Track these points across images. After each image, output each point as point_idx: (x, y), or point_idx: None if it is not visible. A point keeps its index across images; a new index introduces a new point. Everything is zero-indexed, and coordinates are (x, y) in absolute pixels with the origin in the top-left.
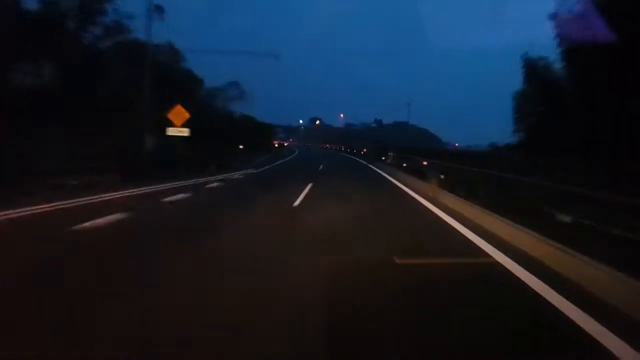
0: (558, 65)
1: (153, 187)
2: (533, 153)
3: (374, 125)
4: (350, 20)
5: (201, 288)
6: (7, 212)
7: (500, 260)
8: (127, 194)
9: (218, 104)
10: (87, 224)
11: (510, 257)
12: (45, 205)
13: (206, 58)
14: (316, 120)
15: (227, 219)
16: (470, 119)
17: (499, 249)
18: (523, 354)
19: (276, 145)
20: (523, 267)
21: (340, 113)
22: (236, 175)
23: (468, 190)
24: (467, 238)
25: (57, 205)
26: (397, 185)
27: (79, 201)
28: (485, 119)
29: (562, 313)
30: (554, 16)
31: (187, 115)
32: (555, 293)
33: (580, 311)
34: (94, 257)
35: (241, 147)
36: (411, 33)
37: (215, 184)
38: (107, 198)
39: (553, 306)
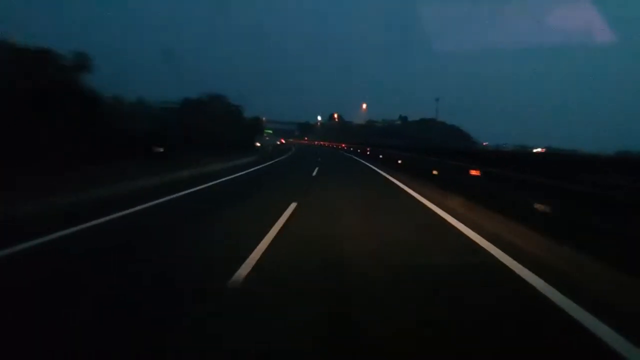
0: None
1: None
2: None
3: (398, 122)
4: (374, 18)
5: None
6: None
7: None
8: None
9: None
10: None
11: None
12: None
13: None
14: (335, 118)
15: None
16: (499, 117)
17: None
18: None
19: (257, 145)
20: None
21: (360, 109)
22: None
23: None
24: None
25: None
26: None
27: None
28: (515, 118)
29: None
30: None
31: None
32: None
33: None
34: None
35: (161, 149)
36: (440, 31)
37: None
38: None
39: None
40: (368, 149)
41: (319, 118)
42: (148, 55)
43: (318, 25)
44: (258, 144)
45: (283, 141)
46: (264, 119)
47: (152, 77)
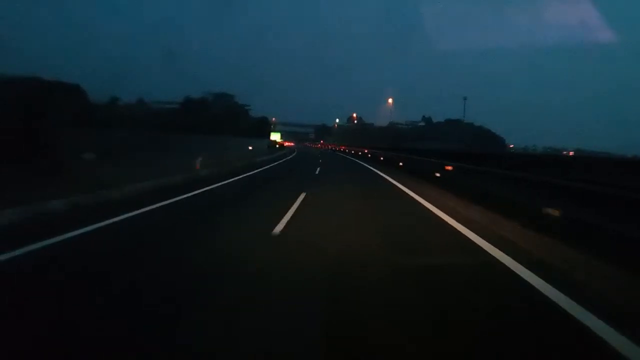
0: None
1: None
2: None
3: (422, 123)
4: (392, 16)
5: None
6: None
7: None
8: None
9: None
10: None
11: None
12: None
13: None
14: (354, 119)
15: None
16: (528, 117)
17: None
18: None
19: (250, 148)
20: None
21: (385, 105)
22: None
23: None
24: None
25: None
26: None
27: None
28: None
29: None
30: None
31: None
32: None
33: None
34: None
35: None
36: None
37: None
38: None
39: None
40: (400, 163)
41: (337, 120)
42: (161, 53)
43: (334, 25)
44: (250, 147)
45: (286, 144)
46: (273, 119)
47: (165, 76)
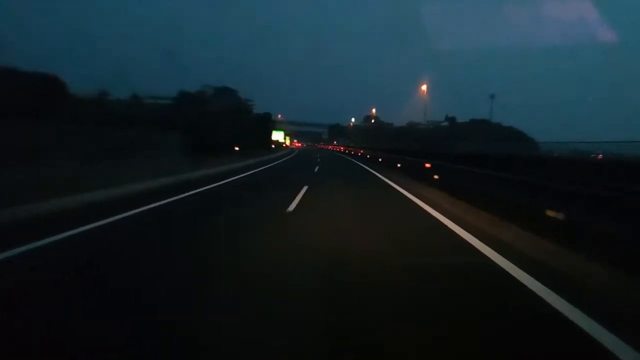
0: None
1: None
2: None
3: (445, 123)
4: (407, 12)
5: None
6: None
7: None
8: None
9: None
10: None
11: None
12: None
13: None
14: (371, 118)
15: None
16: (557, 117)
17: None
18: None
19: (236, 148)
20: None
21: (400, 108)
22: None
23: None
24: None
25: None
26: None
27: None
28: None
29: None
30: None
31: None
32: None
33: None
34: None
35: None
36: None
37: None
38: None
39: None
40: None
41: (353, 120)
42: (165, 43)
43: (350, 21)
44: (237, 148)
45: (295, 145)
46: (279, 116)
47: (167, 71)
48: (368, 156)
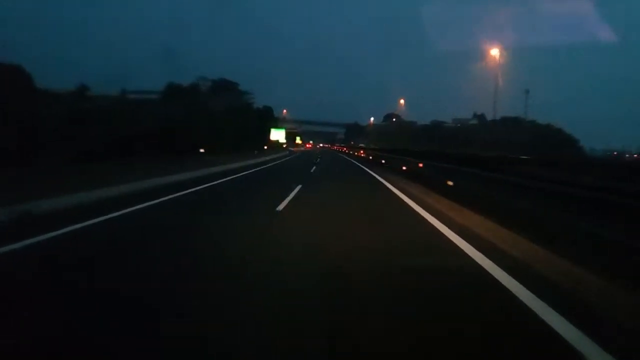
0: None
1: None
2: None
3: (473, 121)
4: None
5: None
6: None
7: None
8: None
9: None
10: None
11: None
12: None
13: None
14: (392, 117)
15: None
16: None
17: None
18: None
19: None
20: None
21: (422, 108)
22: None
23: None
24: None
25: None
26: None
27: None
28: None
29: None
30: None
31: None
32: None
33: None
34: None
35: None
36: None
37: None
38: None
39: None
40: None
41: (372, 119)
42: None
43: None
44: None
45: (308, 146)
46: (284, 111)
47: (169, 66)
48: (404, 168)
